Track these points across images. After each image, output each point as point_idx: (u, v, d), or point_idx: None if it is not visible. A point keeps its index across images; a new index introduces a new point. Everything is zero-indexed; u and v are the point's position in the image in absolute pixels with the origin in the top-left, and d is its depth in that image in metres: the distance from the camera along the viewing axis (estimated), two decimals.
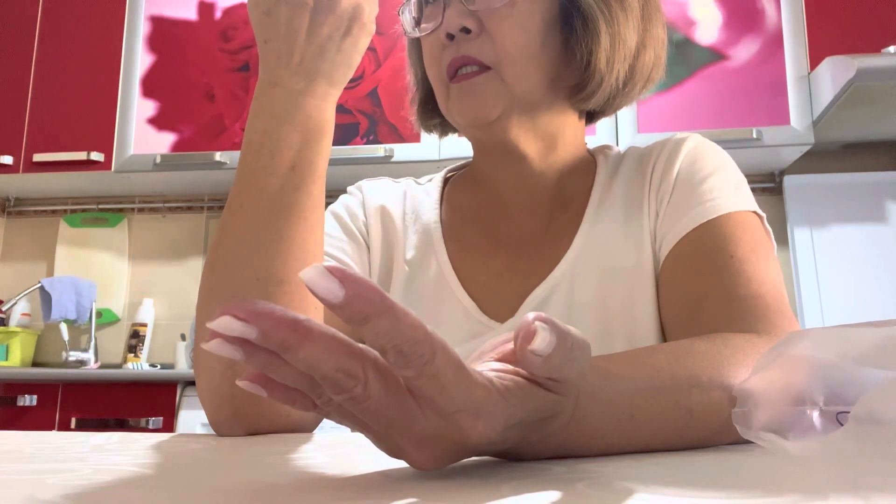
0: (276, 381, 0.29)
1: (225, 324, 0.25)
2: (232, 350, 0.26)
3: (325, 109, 0.57)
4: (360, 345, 0.27)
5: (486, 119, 0.65)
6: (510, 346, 0.33)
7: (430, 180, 0.81)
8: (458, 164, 0.82)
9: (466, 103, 0.65)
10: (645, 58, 0.69)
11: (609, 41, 0.66)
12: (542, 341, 0.29)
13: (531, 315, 0.29)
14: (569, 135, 0.72)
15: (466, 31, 0.64)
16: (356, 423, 0.29)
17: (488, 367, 0.31)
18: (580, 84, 0.68)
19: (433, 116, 0.77)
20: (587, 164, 0.74)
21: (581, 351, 0.31)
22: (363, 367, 0.26)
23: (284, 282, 0.54)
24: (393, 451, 0.30)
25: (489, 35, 0.64)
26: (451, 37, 0.65)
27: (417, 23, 0.70)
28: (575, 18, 0.66)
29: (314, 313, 0.56)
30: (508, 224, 0.72)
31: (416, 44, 0.75)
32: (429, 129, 0.79)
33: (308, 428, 0.58)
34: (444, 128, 0.78)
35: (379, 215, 0.76)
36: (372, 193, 0.78)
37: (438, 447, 0.29)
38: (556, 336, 0.29)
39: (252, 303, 0.25)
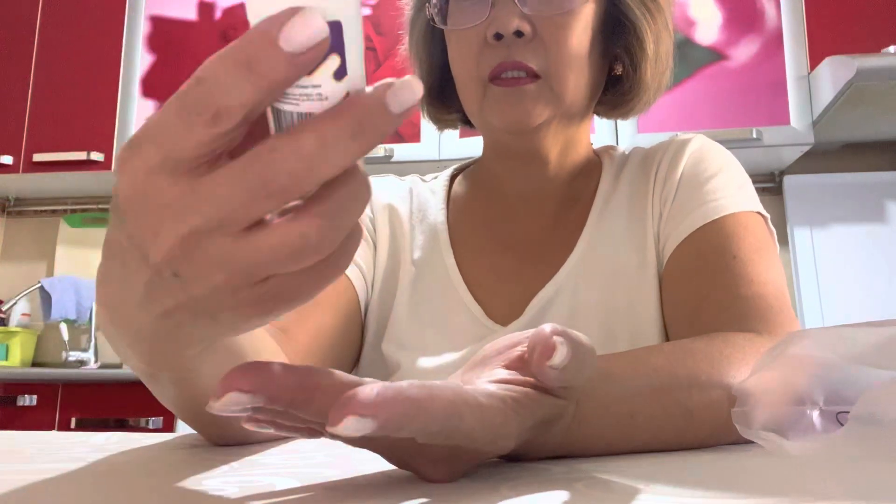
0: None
1: (233, 401, 0.25)
2: (239, 411, 0.26)
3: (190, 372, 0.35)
4: (368, 381, 0.27)
5: (528, 126, 0.63)
6: (516, 351, 0.33)
7: (435, 178, 0.80)
8: (465, 162, 0.81)
9: (511, 108, 0.63)
10: (669, 74, 0.71)
11: (655, 59, 0.67)
12: (560, 356, 0.29)
13: (548, 328, 0.29)
14: (582, 138, 0.72)
15: (519, 34, 0.61)
16: (367, 448, 0.29)
17: (497, 377, 0.31)
18: (625, 98, 0.70)
19: (448, 111, 0.75)
20: (593, 165, 0.74)
21: (590, 357, 0.31)
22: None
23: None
24: (404, 467, 0.30)
25: (542, 41, 0.62)
26: (498, 37, 0.62)
27: (440, 12, 0.67)
28: (629, 34, 0.66)
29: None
30: (515, 226, 0.72)
31: (430, 34, 0.72)
32: (441, 124, 0.77)
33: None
34: (458, 123, 0.77)
35: (387, 214, 0.75)
36: (379, 191, 0.77)
37: (452, 464, 0.29)
38: (572, 348, 0.29)
39: (253, 369, 0.25)
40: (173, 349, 0.30)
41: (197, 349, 0.31)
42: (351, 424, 0.23)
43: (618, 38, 0.67)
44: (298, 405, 0.25)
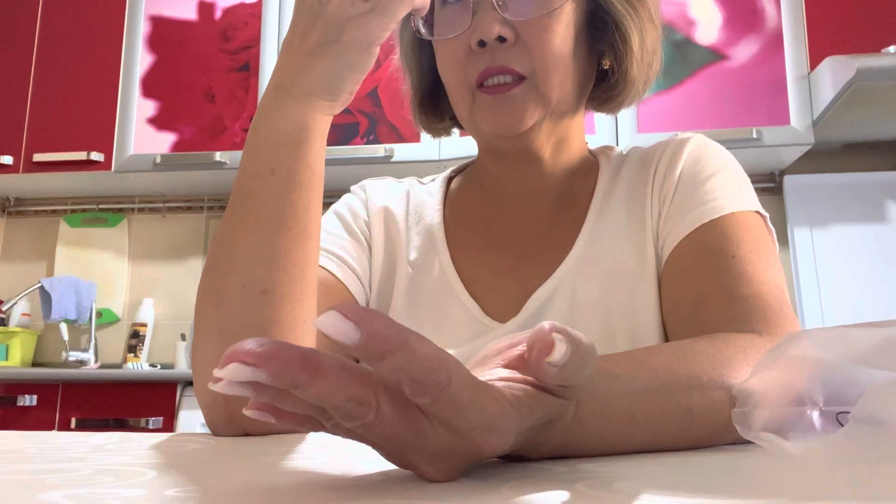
0: (285, 409, 0.29)
1: (234, 371, 0.25)
2: (241, 388, 0.26)
3: (303, 114, 0.54)
4: (369, 368, 0.27)
5: (519, 130, 0.64)
6: (516, 351, 0.33)
7: (433, 180, 0.80)
8: (462, 163, 0.81)
9: (500, 113, 0.64)
10: (657, 65, 0.71)
11: (640, 53, 0.67)
12: (559, 353, 0.29)
13: (546, 325, 0.29)
14: (576, 135, 0.73)
15: (502, 39, 0.62)
16: (366, 442, 0.29)
17: (496, 376, 0.31)
18: (612, 94, 0.70)
19: (439, 119, 0.76)
20: (590, 165, 0.74)
21: (590, 356, 0.31)
22: (374, 394, 0.26)
23: (268, 292, 0.53)
24: (403, 465, 0.30)
25: (524, 44, 0.63)
26: (482, 44, 0.63)
27: (425, 23, 0.68)
28: (612, 30, 0.66)
29: (302, 326, 0.55)
30: (511, 225, 0.72)
31: (418, 44, 0.74)
32: (434, 133, 0.78)
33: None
34: (450, 130, 0.78)
35: (382, 216, 0.75)
36: (375, 193, 0.77)
37: (450, 461, 0.29)
38: (571, 345, 0.29)
39: (258, 344, 0.25)
40: (317, 83, 0.53)
41: (330, 82, 0.53)
42: (334, 321, 0.24)
43: (602, 34, 0.68)
44: (300, 385, 0.25)
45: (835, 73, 1.98)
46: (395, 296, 0.71)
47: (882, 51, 2.01)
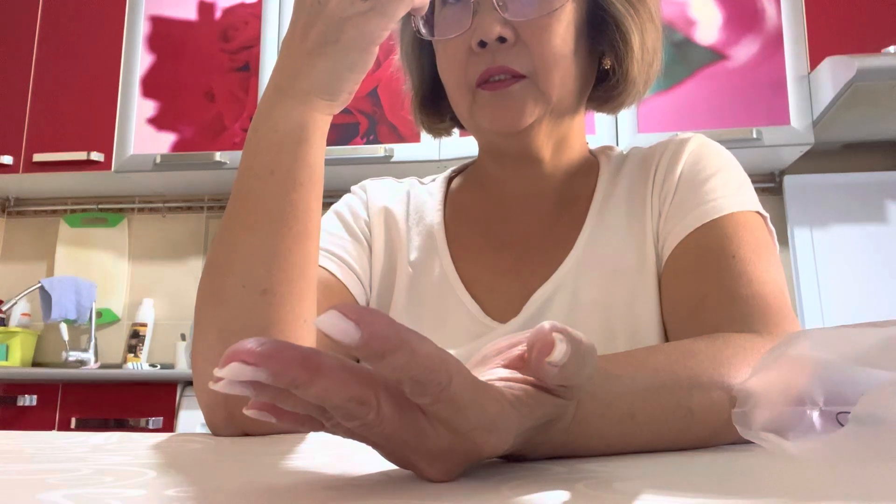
0: (285, 409, 0.29)
1: (235, 371, 0.25)
2: (241, 388, 0.26)
3: (303, 114, 0.54)
4: (369, 368, 0.27)
5: (519, 127, 0.64)
6: (516, 351, 0.33)
7: (433, 180, 0.80)
8: (462, 163, 0.82)
9: (501, 110, 0.64)
10: (657, 64, 0.71)
11: (640, 53, 0.68)
12: (559, 353, 0.29)
13: (547, 325, 0.29)
14: (576, 135, 0.73)
15: (502, 40, 0.63)
16: (366, 442, 0.29)
17: (496, 376, 0.31)
18: (613, 94, 0.70)
19: (440, 119, 0.76)
20: (590, 165, 0.74)
21: (590, 356, 0.31)
22: (375, 394, 0.26)
23: (268, 291, 0.53)
24: (403, 464, 0.30)
25: (524, 44, 0.63)
26: (482, 44, 0.63)
27: (426, 23, 0.68)
28: (612, 30, 0.67)
29: (302, 326, 0.55)
30: (512, 225, 0.72)
31: (419, 44, 0.74)
32: (435, 133, 0.78)
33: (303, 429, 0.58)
34: (450, 130, 0.78)
35: (382, 216, 0.75)
36: (375, 194, 0.77)
37: (450, 461, 0.29)
38: (571, 345, 0.29)
39: (258, 343, 0.25)
40: (316, 83, 0.53)
41: (331, 82, 0.53)
42: (334, 321, 0.24)
43: (602, 34, 0.68)
44: (300, 384, 0.25)
45: (835, 73, 1.98)
46: (395, 296, 0.71)
47: (882, 51, 2.01)
